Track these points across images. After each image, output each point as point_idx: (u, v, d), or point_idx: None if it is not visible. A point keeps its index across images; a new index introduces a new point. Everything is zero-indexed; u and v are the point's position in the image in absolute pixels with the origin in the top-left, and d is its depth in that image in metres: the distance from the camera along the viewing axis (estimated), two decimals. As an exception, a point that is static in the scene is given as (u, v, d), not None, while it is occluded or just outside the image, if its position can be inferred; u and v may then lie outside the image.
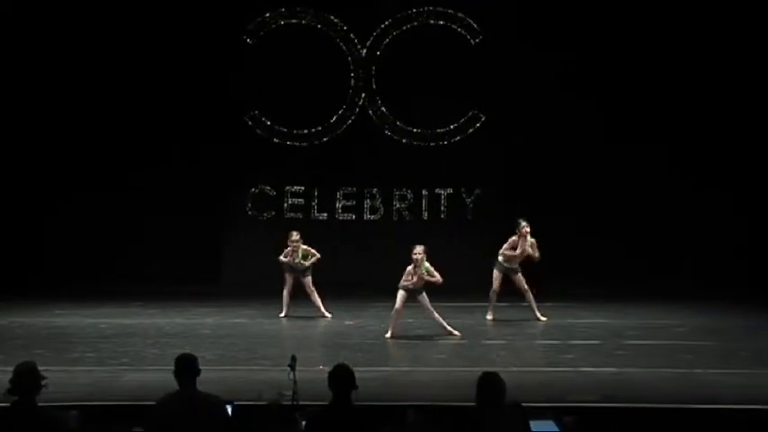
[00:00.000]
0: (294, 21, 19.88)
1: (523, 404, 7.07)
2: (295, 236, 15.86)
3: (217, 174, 19.44)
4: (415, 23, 19.86)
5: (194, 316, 15.94)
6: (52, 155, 19.17)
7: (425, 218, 19.82)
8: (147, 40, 19.04)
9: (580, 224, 18.60)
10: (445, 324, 13.95)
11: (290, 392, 7.96)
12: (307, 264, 15.71)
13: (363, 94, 19.93)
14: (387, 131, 19.89)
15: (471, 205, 19.80)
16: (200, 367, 6.97)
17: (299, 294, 15.91)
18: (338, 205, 19.85)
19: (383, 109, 19.90)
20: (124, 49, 19.08)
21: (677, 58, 19.05)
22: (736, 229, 18.87)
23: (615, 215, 18.92)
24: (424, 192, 19.90)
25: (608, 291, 17.67)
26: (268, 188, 19.85)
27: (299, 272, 15.74)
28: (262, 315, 16.04)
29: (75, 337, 13.91)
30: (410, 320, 15.38)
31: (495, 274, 15.38)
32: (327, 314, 15.73)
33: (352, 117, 19.90)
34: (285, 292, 15.83)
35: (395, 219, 19.83)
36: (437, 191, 19.91)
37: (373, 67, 19.91)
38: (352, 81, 19.92)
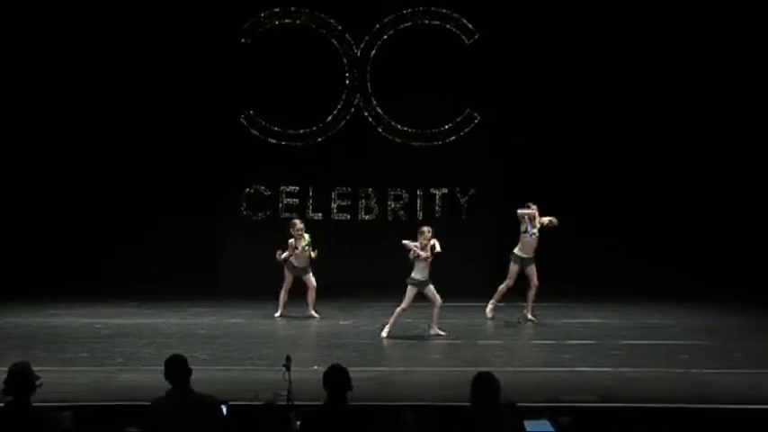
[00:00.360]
0: (289, 21, 19.85)
1: (519, 404, 7.08)
2: (299, 224, 15.78)
3: (212, 174, 19.41)
4: (410, 23, 19.84)
5: (190, 316, 15.92)
6: (49, 155, 19.13)
7: (420, 218, 19.76)
8: (142, 39, 19.00)
9: (577, 224, 18.57)
10: (435, 321, 13.90)
11: (284, 392, 7.97)
12: (314, 254, 15.57)
13: (358, 94, 19.91)
14: (381, 131, 19.87)
15: (466, 205, 19.79)
16: (196, 367, 6.96)
17: (296, 295, 15.87)
18: (333, 205, 19.84)
19: (378, 109, 19.89)
20: (119, 50, 19.03)
21: (676, 58, 19.02)
22: (732, 229, 18.88)
23: (612, 215, 18.92)
24: (418, 192, 19.88)
25: (604, 290, 17.64)
26: (263, 188, 19.83)
27: (300, 270, 15.63)
28: (257, 315, 16.02)
29: (70, 336, 13.88)
30: (408, 320, 15.37)
31: (512, 267, 15.16)
32: (315, 314, 15.66)
33: (347, 117, 19.88)
34: (283, 292, 15.79)
35: (390, 219, 19.81)
36: (432, 191, 19.90)
37: (368, 67, 19.89)
38: (347, 81, 19.89)
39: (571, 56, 18.92)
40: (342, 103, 19.86)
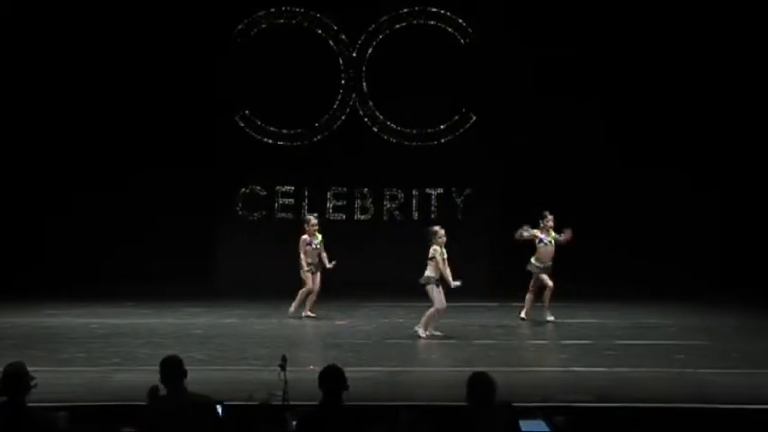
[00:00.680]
0: (285, 21, 19.85)
1: (515, 404, 7.07)
2: (314, 220, 15.69)
3: (208, 174, 19.40)
4: (406, 24, 19.84)
5: (185, 316, 15.90)
6: (45, 155, 19.12)
7: (416, 218, 19.80)
8: (139, 40, 18.99)
9: (577, 224, 18.53)
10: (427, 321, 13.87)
11: (280, 392, 7.95)
12: (330, 266, 15.43)
13: (354, 95, 19.91)
14: (377, 131, 19.87)
15: (462, 205, 19.79)
16: (192, 367, 6.95)
17: (290, 295, 15.85)
18: (329, 205, 19.83)
19: (374, 109, 19.88)
20: (115, 51, 19.02)
21: (678, 58, 19.03)
22: (731, 229, 18.87)
23: (612, 215, 18.86)
24: (414, 192, 19.89)
25: (603, 290, 17.61)
26: (258, 188, 19.82)
27: (312, 266, 15.47)
28: (253, 315, 16.01)
29: (66, 336, 13.86)
30: (400, 320, 15.38)
31: (539, 277, 15.06)
32: (312, 314, 15.61)
33: (343, 117, 19.88)
34: (314, 295, 15.58)
35: (385, 219, 19.82)
36: (427, 191, 19.90)
37: (364, 68, 19.89)
38: (343, 81, 19.90)
39: (572, 56, 18.92)
40: (337, 103, 19.86)
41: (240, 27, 19.69)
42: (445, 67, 19.47)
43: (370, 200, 19.87)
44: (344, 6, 19.74)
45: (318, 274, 15.54)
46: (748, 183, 19.04)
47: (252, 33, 19.75)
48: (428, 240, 13.67)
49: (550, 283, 15.00)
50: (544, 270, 15.05)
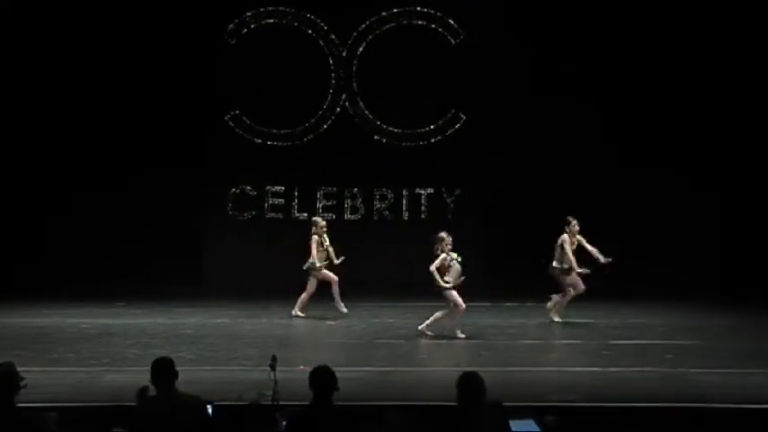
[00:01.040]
0: (275, 20, 19.83)
1: (505, 403, 7.06)
2: (322, 222, 15.71)
3: (198, 174, 19.38)
4: (396, 23, 19.85)
5: (176, 316, 15.88)
6: (40, 157, 19.08)
7: (406, 218, 19.81)
8: (131, 40, 18.96)
9: (563, 225, 18.56)
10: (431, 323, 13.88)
11: (270, 392, 7.93)
12: (337, 261, 15.48)
13: (344, 94, 19.90)
14: (367, 131, 19.87)
15: (452, 205, 19.79)
16: (182, 367, 6.93)
17: (285, 295, 15.83)
18: (319, 205, 19.81)
19: (364, 109, 19.88)
20: (105, 51, 19.00)
21: (676, 58, 19.04)
22: (723, 229, 18.89)
23: (609, 215, 18.80)
24: (404, 192, 19.89)
25: (597, 290, 17.55)
26: (249, 188, 19.81)
27: (321, 267, 15.48)
28: (243, 315, 15.99)
29: (56, 337, 13.82)
30: (390, 321, 15.37)
31: (567, 279, 14.89)
32: (301, 314, 15.58)
33: (333, 117, 19.87)
34: (336, 294, 15.60)
35: (375, 219, 19.82)
36: (418, 191, 19.91)
37: (354, 67, 19.89)
38: (333, 81, 19.89)
39: (567, 55, 18.92)
40: (328, 103, 19.85)
41: (231, 27, 19.67)
42: (435, 67, 19.47)
43: (360, 200, 19.86)
44: (335, 6, 19.73)
45: (326, 271, 15.51)
46: (746, 183, 19.03)
47: (242, 33, 19.73)
48: (434, 247, 13.60)
49: (582, 286, 14.87)
50: (568, 271, 14.85)
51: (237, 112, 19.73)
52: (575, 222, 15.02)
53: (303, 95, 19.57)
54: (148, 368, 7.01)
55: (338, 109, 19.88)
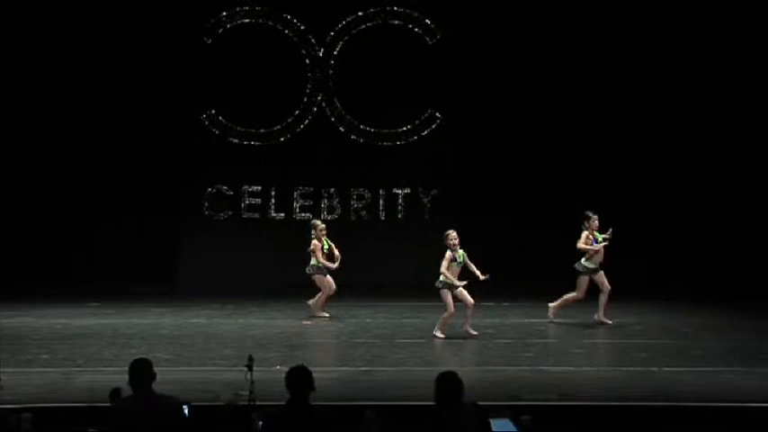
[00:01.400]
0: (251, 20, 19.80)
1: (481, 403, 7.09)
2: (321, 224, 15.70)
3: (174, 173, 19.33)
4: (372, 23, 19.85)
5: (152, 316, 15.84)
6: (7, 156, 18.95)
7: (383, 218, 19.82)
8: (103, 38, 18.87)
9: (542, 224, 18.63)
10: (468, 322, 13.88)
11: (246, 393, 7.94)
12: (336, 252, 15.50)
13: (321, 94, 19.89)
14: (344, 131, 19.86)
15: (429, 205, 19.81)
16: (158, 368, 6.92)
17: (266, 293, 15.82)
18: (295, 205, 19.80)
19: (340, 108, 19.88)
20: (79, 48, 18.90)
21: (644, 59, 19.08)
22: (693, 229, 19.00)
23: (575, 214, 18.86)
24: (381, 191, 19.90)
25: (570, 289, 17.61)
26: (225, 188, 19.76)
27: (323, 269, 15.47)
28: (219, 315, 15.97)
29: (30, 338, 13.75)
30: (368, 320, 15.39)
31: (582, 280, 14.69)
32: (324, 314, 15.60)
33: (310, 116, 19.85)
34: (321, 300, 15.56)
35: (352, 219, 19.80)
36: (394, 191, 19.91)
37: (331, 67, 19.88)
38: (310, 81, 19.87)
39: (539, 54, 18.96)
40: (304, 102, 19.83)
41: (207, 26, 19.62)
42: (412, 67, 19.49)
43: (337, 200, 19.85)
44: (311, 6, 19.71)
45: (329, 277, 15.53)
46: (714, 183, 19.13)
47: (218, 32, 19.68)
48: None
49: (608, 286, 14.62)
50: (595, 271, 14.71)
51: (214, 111, 19.68)
52: (594, 218, 14.71)
53: (280, 95, 19.54)
54: (124, 368, 6.99)
55: (315, 109, 19.86)
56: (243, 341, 13.39)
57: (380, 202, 19.86)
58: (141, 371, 6.83)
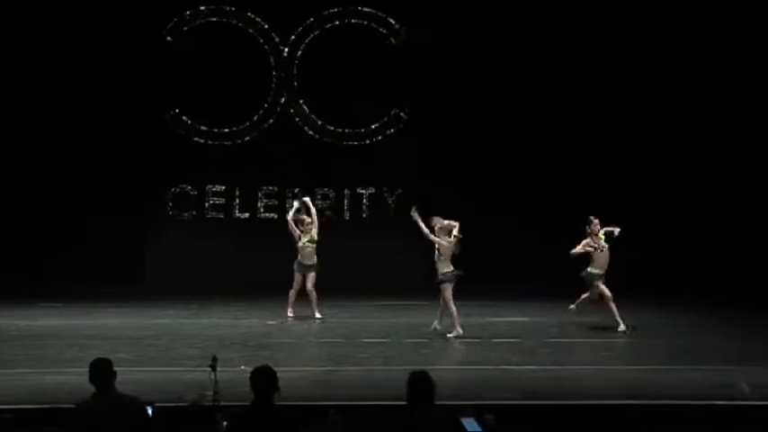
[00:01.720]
0: (215, 19, 19.73)
1: (445, 402, 7.09)
2: (308, 219, 15.66)
3: (137, 174, 19.22)
4: (337, 23, 19.85)
5: (116, 316, 15.74)
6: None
7: (347, 217, 19.83)
8: (65, 37, 18.73)
9: (512, 223, 18.67)
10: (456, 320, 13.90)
11: (211, 393, 7.91)
12: (317, 239, 15.49)
13: (285, 94, 19.86)
14: (308, 130, 19.84)
15: (393, 205, 19.82)
16: (121, 368, 6.88)
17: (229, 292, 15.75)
18: (260, 204, 19.75)
19: (305, 108, 19.85)
20: (41, 48, 18.76)
21: (628, 57, 19.10)
22: (668, 228, 19.02)
23: (547, 212, 18.88)
24: (346, 191, 19.89)
25: (533, 288, 17.65)
26: (189, 188, 19.69)
27: (307, 267, 15.43)
28: (183, 315, 15.91)
29: (-9, 339, 13.64)
30: (332, 320, 15.38)
31: (595, 285, 14.40)
32: (318, 315, 15.54)
33: (274, 116, 19.82)
34: (293, 293, 15.54)
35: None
36: (359, 190, 19.92)
37: (295, 67, 19.85)
38: (274, 80, 19.84)
39: (503, 51, 18.99)
40: (268, 102, 19.79)
41: (170, 25, 19.53)
42: (377, 67, 19.50)
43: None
44: (275, 5, 19.67)
45: (314, 274, 15.50)
46: (701, 184, 19.11)
47: (181, 31, 19.60)
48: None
49: (608, 293, 14.34)
50: (600, 277, 14.44)
51: (177, 111, 19.60)
52: (596, 222, 14.48)
53: (244, 95, 19.49)
54: (86, 369, 6.94)
55: (279, 108, 19.83)
56: (207, 341, 13.33)
57: (345, 201, 19.86)
58: (101, 369, 6.79)
